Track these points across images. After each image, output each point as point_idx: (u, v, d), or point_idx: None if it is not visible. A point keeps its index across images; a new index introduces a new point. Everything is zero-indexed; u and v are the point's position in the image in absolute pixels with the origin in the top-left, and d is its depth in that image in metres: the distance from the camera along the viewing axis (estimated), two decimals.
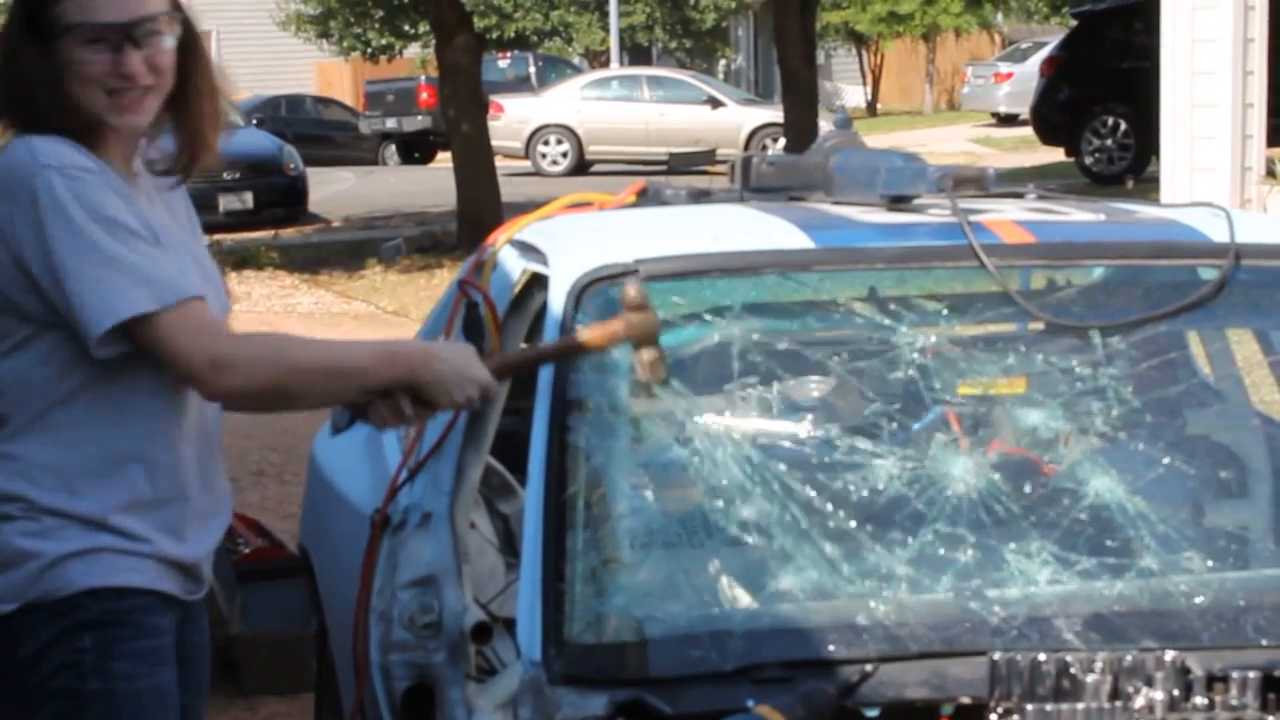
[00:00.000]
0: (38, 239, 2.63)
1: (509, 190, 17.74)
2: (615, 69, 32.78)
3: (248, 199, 20.04)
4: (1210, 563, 2.96)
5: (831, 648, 2.74)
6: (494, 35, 34.96)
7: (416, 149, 31.66)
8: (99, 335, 2.63)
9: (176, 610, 2.82)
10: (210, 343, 2.65)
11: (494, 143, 18.15)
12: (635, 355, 2.88)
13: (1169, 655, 2.69)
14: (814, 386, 3.36)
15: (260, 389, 2.68)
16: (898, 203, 3.37)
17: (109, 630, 2.71)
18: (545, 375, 2.99)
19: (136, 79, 2.72)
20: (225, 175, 19.44)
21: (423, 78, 31.42)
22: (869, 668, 2.71)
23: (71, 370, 2.70)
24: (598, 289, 3.05)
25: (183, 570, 2.81)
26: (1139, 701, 2.65)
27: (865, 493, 2.93)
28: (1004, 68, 34.02)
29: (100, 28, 2.69)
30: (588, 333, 2.89)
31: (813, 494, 2.91)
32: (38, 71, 2.70)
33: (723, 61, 40.66)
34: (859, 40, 40.65)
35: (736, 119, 27.68)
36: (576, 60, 37.55)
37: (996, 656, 2.68)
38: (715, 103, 28.14)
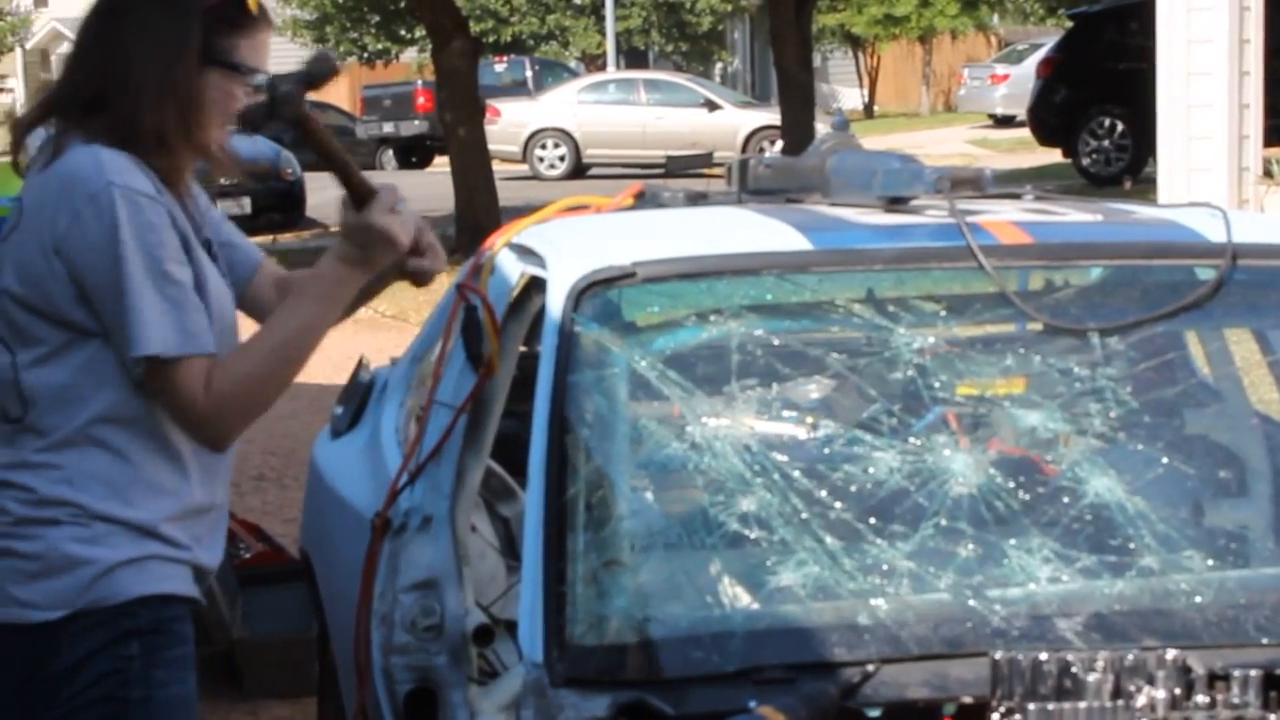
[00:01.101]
0: (97, 254, 2.64)
1: (506, 194, 17.74)
2: (612, 72, 32.80)
3: (245, 204, 20.01)
4: (1210, 562, 2.96)
5: (833, 649, 2.74)
6: (490, 39, 35.02)
7: (414, 153, 31.64)
8: (134, 359, 2.66)
9: (193, 616, 2.83)
10: (201, 405, 2.70)
11: (491, 147, 18.15)
12: None
13: (1170, 654, 2.69)
14: (813, 388, 3.37)
15: (245, 425, 2.76)
16: (895, 204, 3.37)
17: (154, 638, 2.71)
18: (544, 378, 3.00)
19: None
20: (223, 180, 19.40)
21: (419, 82, 31.42)
22: (871, 668, 2.71)
23: (112, 379, 2.70)
24: (596, 292, 3.05)
25: (202, 576, 2.83)
26: (1141, 700, 2.65)
27: (865, 493, 2.94)
28: (1000, 69, 34.04)
29: (258, 75, 2.78)
30: None
31: (813, 494, 2.91)
32: (198, 87, 2.75)
33: (719, 64, 40.68)
34: (855, 42, 40.67)
35: (733, 121, 27.68)
36: (573, 64, 37.58)
37: (998, 656, 2.68)
38: (712, 105, 28.15)
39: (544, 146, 28.16)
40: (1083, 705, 2.65)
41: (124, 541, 2.69)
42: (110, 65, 2.74)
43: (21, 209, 2.73)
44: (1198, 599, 2.86)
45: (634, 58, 39.47)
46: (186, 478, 2.75)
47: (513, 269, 3.41)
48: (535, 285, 3.31)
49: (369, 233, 2.82)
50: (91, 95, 2.74)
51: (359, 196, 2.84)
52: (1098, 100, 19.50)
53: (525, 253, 3.38)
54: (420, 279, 2.93)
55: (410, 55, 35.84)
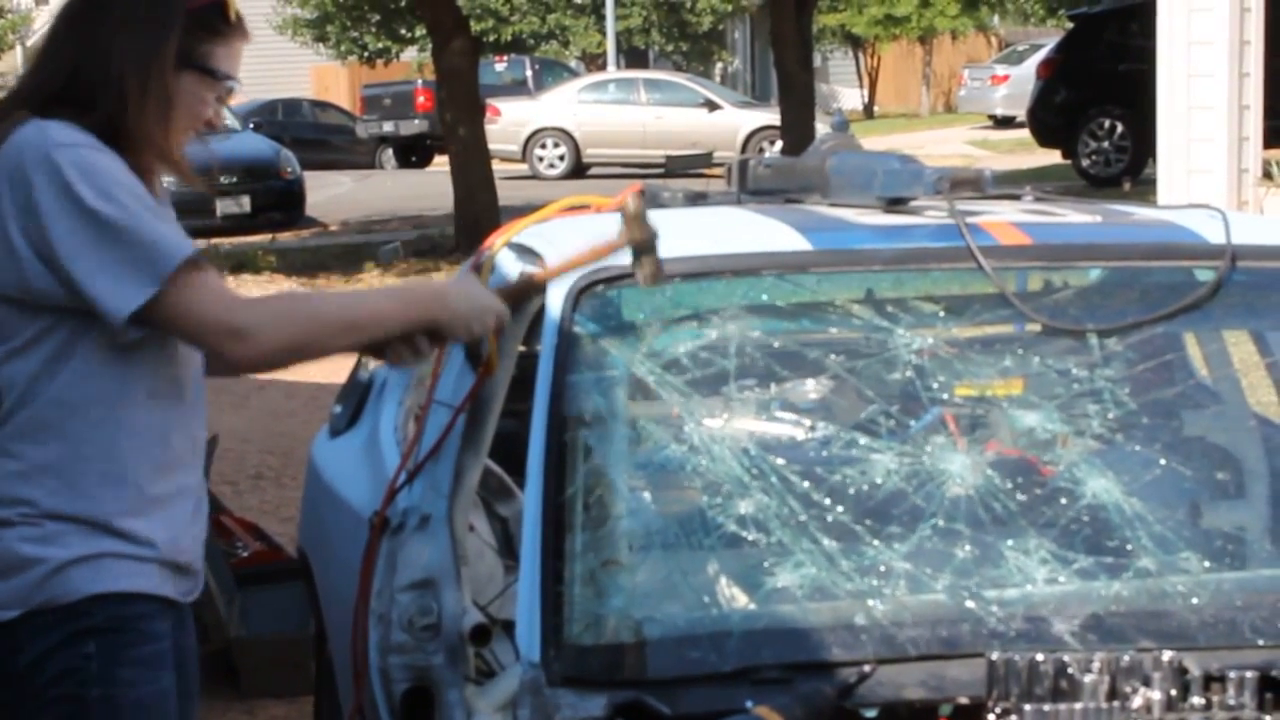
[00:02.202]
0: (56, 219, 2.61)
1: (506, 193, 17.73)
2: (612, 72, 32.78)
3: (245, 203, 20.04)
4: (1207, 563, 2.96)
5: (830, 649, 2.75)
6: (491, 39, 34.99)
7: (414, 152, 31.63)
8: (122, 323, 2.63)
9: (173, 614, 2.82)
10: (226, 312, 2.67)
11: (491, 146, 18.14)
12: (635, 262, 2.94)
13: (1166, 655, 2.69)
14: (811, 389, 3.37)
15: (282, 351, 2.72)
16: (895, 205, 3.38)
17: (114, 637, 2.70)
18: (543, 378, 3.00)
19: (215, 130, 2.84)
20: (222, 179, 19.44)
21: (420, 81, 31.42)
22: (867, 669, 2.72)
23: (77, 368, 2.69)
24: (595, 292, 3.05)
25: (181, 571, 2.81)
26: (1136, 701, 2.66)
27: (863, 494, 2.94)
28: (1001, 70, 34.05)
29: (230, 81, 2.79)
30: (590, 249, 2.97)
31: (810, 495, 2.91)
32: (173, 89, 2.74)
33: (719, 64, 40.67)
34: (855, 43, 40.68)
35: (733, 121, 27.67)
36: (573, 63, 37.58)
37: (994, 657, 2.68)
38: (712, 105, 28.14)
39: (544, 146, 28.15)
40: (1079, 706, 2.66)
41: (76, 540, 2.68)
42: (85, 60, 2.72)
43: None
44: (1194, 600, 2.87)
45: (634, 57, 39.45)
46: (152, 462, 2.73)
47: (512, 268, 3.41)
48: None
49: (488, 316, 2.88)
50: (59, 88, 2.72)
51: (519, 299, 3.04)
52: (1098, 101, 19.50)
53: (525, 252, 3.38)
54: (394, 359, 2.89)
55: (410, 54, 35.80)
